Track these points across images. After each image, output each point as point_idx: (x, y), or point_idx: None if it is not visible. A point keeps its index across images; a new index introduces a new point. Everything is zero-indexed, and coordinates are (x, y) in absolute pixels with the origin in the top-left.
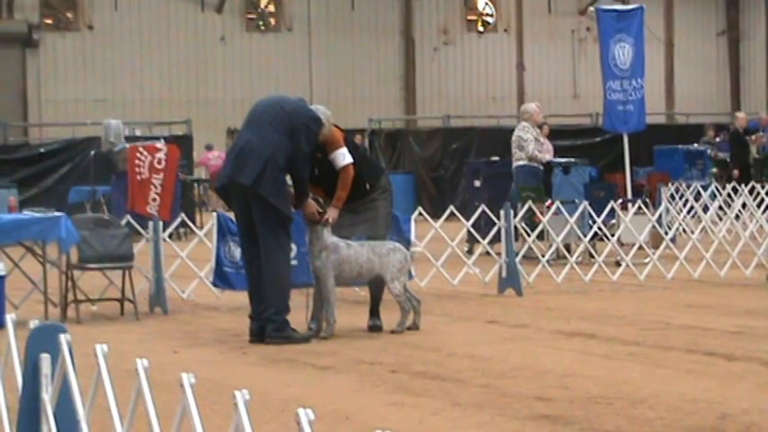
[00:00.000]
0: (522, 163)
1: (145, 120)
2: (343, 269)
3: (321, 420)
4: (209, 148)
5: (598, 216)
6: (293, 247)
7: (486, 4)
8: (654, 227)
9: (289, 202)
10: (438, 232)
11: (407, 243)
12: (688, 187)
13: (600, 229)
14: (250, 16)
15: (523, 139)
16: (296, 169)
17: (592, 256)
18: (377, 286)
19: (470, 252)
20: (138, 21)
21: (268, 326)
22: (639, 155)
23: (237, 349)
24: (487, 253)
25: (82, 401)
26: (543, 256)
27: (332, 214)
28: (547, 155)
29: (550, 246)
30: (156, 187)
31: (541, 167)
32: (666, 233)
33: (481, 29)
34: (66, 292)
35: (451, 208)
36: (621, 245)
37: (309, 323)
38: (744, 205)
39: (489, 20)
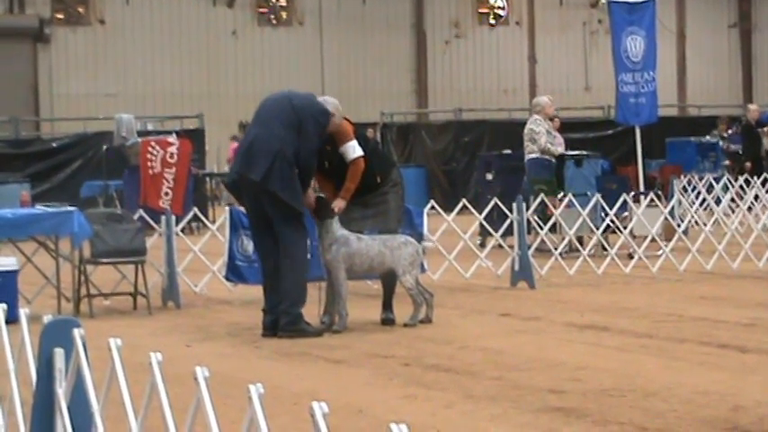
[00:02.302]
0: (534, 156)
1: (157, 114)
2: (354, 262)
3: (334, 414)
4: (236, 139)
5: (610, 208)
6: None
7: None
8: (666, 219)
9: (299, 195)
10: (450, 225)
11: (420, 236)
12: (700, 179)
13: (612, 221)
14: (261, 10)
15: (536, 132)
16: (303, 162)
17: (604, 249)
18: (389, 279)
19: (483, 245)
20: (150, 15)
21: (282, 319)
22: (652, 147)
23: (250, 343)
24: (500, 246)
25: (96, 395)
26: (556, 248)
27: (338, 204)
28: (559, 147)
29: (563, 238)
30: (168, 181)
31: (554, 160)
32: (679, 225)
33: (493, 22)
34: (79, 287)
35: (464, 201)
36: (634, 237)
37: (322, 317)
38: (756, 197)
39: (501, 13)
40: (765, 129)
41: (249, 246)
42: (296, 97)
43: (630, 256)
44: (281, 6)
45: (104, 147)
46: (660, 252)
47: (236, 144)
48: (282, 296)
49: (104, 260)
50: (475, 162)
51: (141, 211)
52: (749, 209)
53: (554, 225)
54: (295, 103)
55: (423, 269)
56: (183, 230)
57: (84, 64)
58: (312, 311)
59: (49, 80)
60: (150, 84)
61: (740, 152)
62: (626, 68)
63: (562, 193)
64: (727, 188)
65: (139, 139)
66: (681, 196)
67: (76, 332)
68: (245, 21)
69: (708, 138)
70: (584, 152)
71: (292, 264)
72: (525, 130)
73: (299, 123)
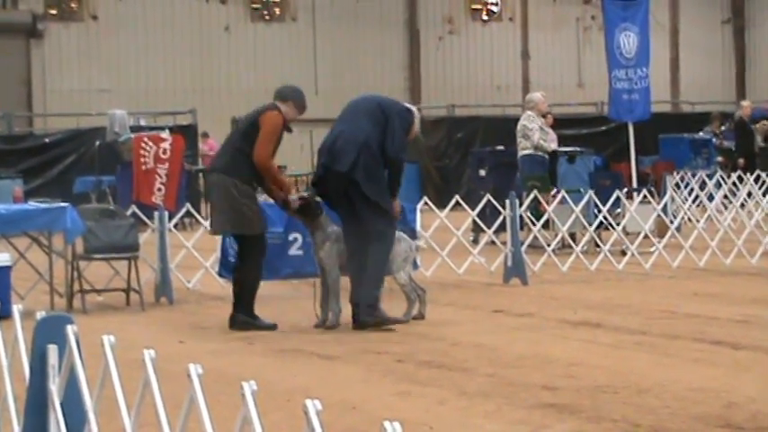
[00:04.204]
0: (527, 152)
1: (149, 110)
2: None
3: (327, 410)
4: (205, 135)
5: (603, 205)
6: (298, 236)
7: None
8: (659, 216)
9: (385, 192)
10: (443, 222)
11: (413, 233)
12: (693, 176)
13: (605, 218)
14: (254, 6)
15: (529, 129)
16: (391, 158)
17: (597, 246)
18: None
19: (476, 241)
20: (143, 11)
21: (359, 308)
22: (645, 144)
23: (243, 339)
24: (493, 242)
25: (89, 392)
26: (549, 245)
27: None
28: (552, 144)
29: (556, 235)
30: (161, 177)
31: (547, 156)
32: (672, 222)
33: (486, 18)
34: (72, 283)
35: (457, 197)
36: (627, 234)
37: (317, 313)
38: (749, 194)
39: (494, 9)
40: (758, 125)
41: None
42: (380, 98)
43: (623, 253)
44: (274, 2)
45: (97, 142)
46: (653, 249)
47: (210, 141)
48: (361, 287)
49: (97, 256)
50: (468, 158)
51: (134, 207)
52: (742, 205)
53: (547, 221)
54: (381, 102)
55: (415, 266)
56: (175, 226)
57: (76, 60)
58: (307, 307)
59: (42, 76)
60: (143, 80)
61: (733, 149)
62: (619, 65)
63: (555, 190)
64: (720, 185)
65: (132, 135)
66: (674, 193)
67: (70, 329)
68: (237, 16)
69: (701, 134)
70: (577, 148)
71: (376, 256)
72: (518, 127)
73: (386, 120)
